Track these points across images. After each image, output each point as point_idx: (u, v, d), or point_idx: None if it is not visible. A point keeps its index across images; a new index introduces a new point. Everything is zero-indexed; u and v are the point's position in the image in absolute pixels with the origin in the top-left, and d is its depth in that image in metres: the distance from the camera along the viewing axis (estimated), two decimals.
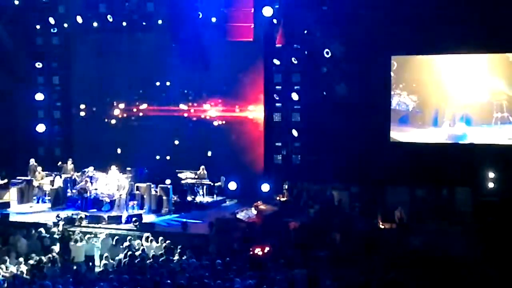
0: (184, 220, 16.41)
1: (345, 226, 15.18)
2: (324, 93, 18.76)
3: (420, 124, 18.76)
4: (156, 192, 17.79)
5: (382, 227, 16.03)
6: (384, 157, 17.88)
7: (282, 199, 18.11)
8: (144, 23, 20.46)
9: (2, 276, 11.75)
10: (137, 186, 17.98)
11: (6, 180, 18.43)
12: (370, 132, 18.29)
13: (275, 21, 19.05)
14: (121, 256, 13.17)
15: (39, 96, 21.93)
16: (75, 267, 12.66)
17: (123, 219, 16.33)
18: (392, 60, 18.82)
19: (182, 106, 21.10)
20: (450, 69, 18.48)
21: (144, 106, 21.72)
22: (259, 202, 17.59)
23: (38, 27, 21.65)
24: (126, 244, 14.00)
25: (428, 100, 18.71)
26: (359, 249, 13.58)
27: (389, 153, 18.22)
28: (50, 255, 13.22)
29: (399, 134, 18.93)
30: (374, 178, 17.47)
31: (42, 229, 15.01)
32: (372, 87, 18.49)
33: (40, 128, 21.50)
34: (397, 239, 14.66)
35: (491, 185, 17.54)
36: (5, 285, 11.43)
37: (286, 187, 18.36)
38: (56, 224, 15.60)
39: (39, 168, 18.96)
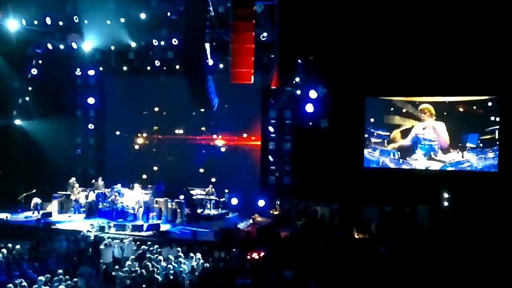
0: (194, 229, 16.39)
1: (326, 236, 15.17)
2: (310, 123, 18.80)
3: (388, 154, 18.87)
4: (172, 205, 17.75)
5: (357, 237, 15.97)
6: (358, 180, 17.98)
7: (275, 212, 18.06)
8: (164, 68, 20.53)
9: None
10: (156, 200, 17.97)
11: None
12: (347, 159, 18.39)
13: (270, 67, 19.19)
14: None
15: (78, 127, 22.12)
16: (104, 267, 12.64)
17: (144, 228, 16.34)
18: (365, 100, 19.02)
19: (195, 136, 21.09)
20: (411, 109, 18.64)
21: (162, 135, 21.69)
22: (256, 215, 17.52)
23: (78, 69, 21.90)
24: (145, 248, 14.01)
25: (395, 134, 18.85)
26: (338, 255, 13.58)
27: (363, 177, 18.32)
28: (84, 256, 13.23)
29: (370, 161, 19.03)
30: (350, 197, 17.48)
31: (78, 235, 15.03)
32: (349, 122, 18.62)
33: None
34: (369, 247, 14.66)
35: (445, 203, 17.60)
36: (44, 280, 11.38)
37: (278, 203, 18.30)
38: (89, 231, 15.62)
39: (77, 185, 18.98)
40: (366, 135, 19.04)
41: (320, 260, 13.18)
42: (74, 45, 19.79)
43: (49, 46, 20.20)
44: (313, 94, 18.60)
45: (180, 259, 13.06)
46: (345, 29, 17.43)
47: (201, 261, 12.86)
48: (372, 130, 19.02)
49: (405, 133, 18.67)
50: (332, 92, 18.53)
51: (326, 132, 18.47)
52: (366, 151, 19.01)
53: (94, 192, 18.59)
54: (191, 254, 13.37)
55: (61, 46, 19.85)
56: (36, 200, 18.21)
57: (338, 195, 17.67)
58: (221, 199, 18.83)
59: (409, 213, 17.04)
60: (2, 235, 15.71)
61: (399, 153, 18.72)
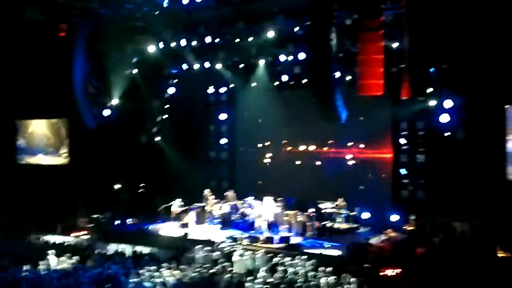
0: (325, 243, 16.27)
1: (466, 254, 14.25)
2: (446, 134, 17.81)
3: None
4: (302, 218, 17.82)
5: (501, 255, 14.76)
6: (502, 194, 16.66)
7: (410, 228, 17.31)
8: (291, 82, 20.79)
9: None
10: (286, 213, 18.16)
11: (186, 207, 19.32)
12: (487, 171, 17.11)
13: (401, 77, 18.60)
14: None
15: (211, 141, 23.14)
16: (238, 278, 12.96)
17: (276, 240, 16.55)
18: (506, 108, 17.64)
19: (323, 149, 21.02)
20: None
21: (290, 148, 21.90)
22: (389, 230, 17.01)
23: (211, 87, 22.99)
24: (277, 260, 14.19)
25: None
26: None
27: (507, 190, 16.93)
28: (219, 267, 13.69)
29: None
30: (493, 212, 16.26)
31: (213, 246, 15.59)
32: (488, 133, 17.37)
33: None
34: None
35: None
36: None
37: (413, 218, 17.52)
38: (223, 242, 16.16)
39: (211, 197, 19.80)
40: (508, 145, 17.59)
41: (460, 279, 12.43)
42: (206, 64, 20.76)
43: (184, 66, 21.35)
44: (448, 103, 17.72)
45: (311, 272, 13.08)
46: (482, 32, 16.36)
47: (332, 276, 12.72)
48: None
49: None
50: (468, 101, 17.49)
51: (463, 143, 17.44)
52: (509, 163, 17.53)
53: (228, 204, 19.21)
54: (321, 268, 13.31)
55: (195, 66, 20.87)
56: (175, 211, 19.26)
57: (479, 210, 16.52)
58: (351, 213, 18.49)
59: None
60: (145, 244, 16.93)
61: None
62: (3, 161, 21.87)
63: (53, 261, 14.18)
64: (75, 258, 14.46)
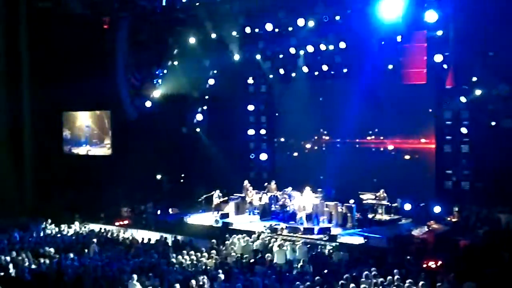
0: (366, 234, 16.14)
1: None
2: (493, 123, 17.32)
3: None
4: (342, 209, 17.69)
5: None
6: None
7: (453, 220, 16.94)
8: (332, 72, 20.62)
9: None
10: (326, 204, 18.06)
11: (226, 198, 19.53)
12: None
13: (445, 66, 18.16)
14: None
15: (251, 132, 23.21)
16: (278, 268, 13.00)
17: (315, 231, 16.51)
18: None
19: (364, 139, 20.82)
20: None
21: (331, 138, 21.75)
22: (432, 221, 16.70)
23: (250, 78, 23.06)
24: (317, 250, 14.17)
25: None
26: None
27: None
28: (259, 256, 13.76)
29: None
30: None
31: (253, 235, 15.69)
32: None
33: (263, 156, 22.79)
34: None
35: None
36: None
37: (456, 209, 17.14)
38: (263, 232, 16.23)
39: (251, 188, 19.90)
40: None
41: (505, 272, 12.09)
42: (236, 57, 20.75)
43: (224, 57, 21.39)
44: (493, 92, 17.20)
45: (351, 264, 13.01)
46: None
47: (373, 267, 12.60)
48: None
49: None
50: None
51: (509, 132, 16.91)
52: None
53: (267, 195, 19.29)
54: (363, 260, 13.20)
55: (235, 57, 20.89)
56: (215, 202, 19.47)
57: None
58: (393, 204, 18.22)
59: None
60: (186, 233, 17.20)
61: None
62: (50, 151, 22.48)
63: (97, 250, 14.57)
64: (118, 247, 14.83)
